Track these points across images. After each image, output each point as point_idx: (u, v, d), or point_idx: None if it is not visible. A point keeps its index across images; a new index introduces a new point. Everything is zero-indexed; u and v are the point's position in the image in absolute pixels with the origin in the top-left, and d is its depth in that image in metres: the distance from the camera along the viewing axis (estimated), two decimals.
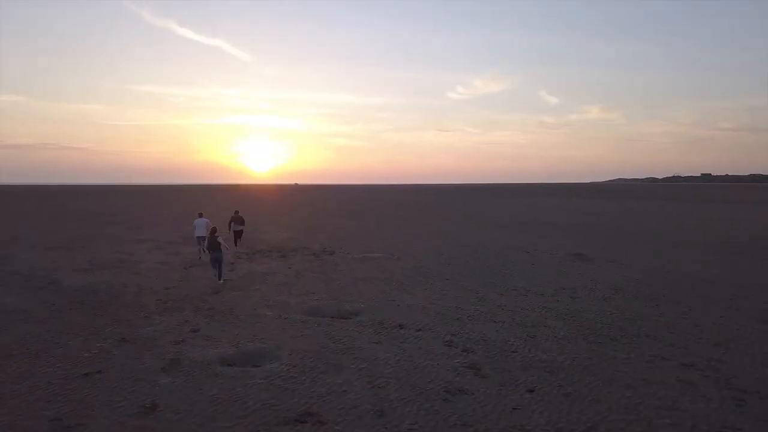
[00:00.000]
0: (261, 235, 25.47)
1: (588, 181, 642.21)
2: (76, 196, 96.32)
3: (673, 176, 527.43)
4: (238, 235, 20.64)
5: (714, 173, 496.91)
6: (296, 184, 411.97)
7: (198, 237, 17.85)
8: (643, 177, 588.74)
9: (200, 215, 18.73)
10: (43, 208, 53.03)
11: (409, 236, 25.50)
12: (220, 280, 13.84)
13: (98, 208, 51.96)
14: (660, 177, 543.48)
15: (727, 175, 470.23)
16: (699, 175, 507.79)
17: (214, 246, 13.73)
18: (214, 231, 14.19)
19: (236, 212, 21.07)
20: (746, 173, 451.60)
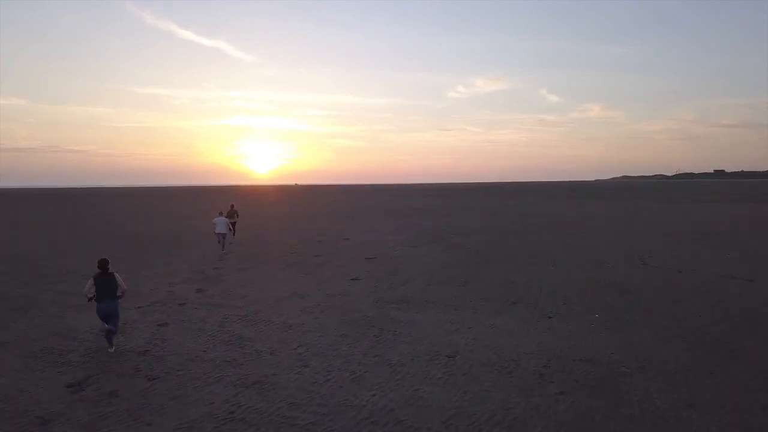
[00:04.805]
0: None
1: (592, 179, 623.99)
2: (77, 197, 76.50)
3: (684, 173, 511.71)
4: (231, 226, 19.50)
5: (716, 169, 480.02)
6: (296, 184, 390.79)
7: (218, 233, 18.47)
8: (651, 174, 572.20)
9: (220, 214, 19.49)
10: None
11: None
12: None
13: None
14: (669, 174, 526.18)
15: (742, 171, 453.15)
16: (712, 171, 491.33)
17: None
18: None
19: (231, 206, 21.61)
20: (752, 169, 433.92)
